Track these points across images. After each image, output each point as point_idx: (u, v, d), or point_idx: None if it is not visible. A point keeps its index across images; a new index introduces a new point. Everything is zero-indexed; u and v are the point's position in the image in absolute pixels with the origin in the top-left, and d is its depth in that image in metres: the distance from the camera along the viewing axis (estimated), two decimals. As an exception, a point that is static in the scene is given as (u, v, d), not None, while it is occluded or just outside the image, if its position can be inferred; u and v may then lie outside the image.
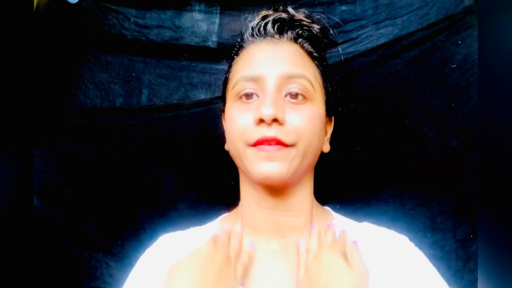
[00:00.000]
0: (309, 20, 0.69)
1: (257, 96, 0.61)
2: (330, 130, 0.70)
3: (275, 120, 0.58)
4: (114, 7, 0.86)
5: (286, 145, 0.59)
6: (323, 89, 0.65)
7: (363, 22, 0.82)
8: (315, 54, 0.67)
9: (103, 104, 0.86)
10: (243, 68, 0.64)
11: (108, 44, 0.87)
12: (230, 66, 0.69)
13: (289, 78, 0.61)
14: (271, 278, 0.62)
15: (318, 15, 0.72)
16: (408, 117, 0.81)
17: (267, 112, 0.57)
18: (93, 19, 0.86)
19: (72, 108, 0.85)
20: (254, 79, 0.61)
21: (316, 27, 0.69)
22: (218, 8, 0.86)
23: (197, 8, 0.86)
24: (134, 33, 0.86)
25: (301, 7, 0.76)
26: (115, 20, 0.86)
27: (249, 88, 0.61)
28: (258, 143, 0.59)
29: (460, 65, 0.79)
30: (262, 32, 0.66)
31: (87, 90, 0.86)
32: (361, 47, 0.82)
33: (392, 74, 0.81)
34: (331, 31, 0.75)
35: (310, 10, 0.79)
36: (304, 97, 0.61)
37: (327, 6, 0.85)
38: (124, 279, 0.65)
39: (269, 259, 0.63)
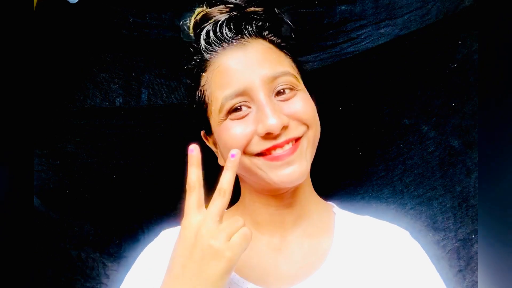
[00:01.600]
0: (260, 9, 0.64)
1: (248, 107, 0.59)
2: None
3: (283, 127, 0.57)
4: (114, 7, 0.86)
5: (298, 139, 0.59)
6: (300, 76, 0.64)
7: (363, 22, 0.82)
8: (282, 44, 0.63)
9: (103, 104, 0.85)
10: (223, 86, 0.60)
11: (108, 44, 0.86)
12: (198, 85, 0.64)
13: (274, 79, 0.59)
14: (273, 270, 0.62)
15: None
16: (408, 117, 0.80)
17: (273, 123, 0.56)
18: (93, 19, 0.86)
19: (71, 108, 0.85)
20: (241, 94, 0.58)
21: (272, 13, 0.65)
22: (218, 8, 0.85)
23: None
24: (134, 33, 0.86)
25: (299, 7, 0.76)
26: (115, 20, 0.86)
27: (237, 103, 0.59)
28: (268, 151, 0.58)
29: (460, 65, 0.79)
30: (221, 39, 0.61)
31: (86, 90, 0.85)
32: (361, 47, 0.82)
33: (392, 74, 0.81)
34: (279, 13, 0.68)
35: (310, 10, 0.79)
36: (291, 89, 0.60)
37: (327, 6, 0.85)
38: (121, 280, 0.65)
39: (272, 251, 0.64)
